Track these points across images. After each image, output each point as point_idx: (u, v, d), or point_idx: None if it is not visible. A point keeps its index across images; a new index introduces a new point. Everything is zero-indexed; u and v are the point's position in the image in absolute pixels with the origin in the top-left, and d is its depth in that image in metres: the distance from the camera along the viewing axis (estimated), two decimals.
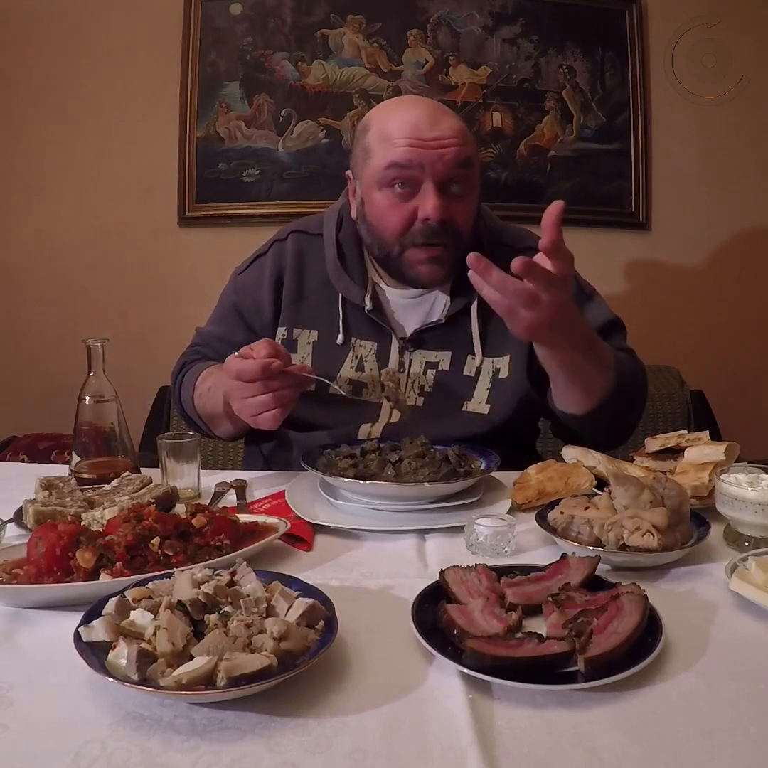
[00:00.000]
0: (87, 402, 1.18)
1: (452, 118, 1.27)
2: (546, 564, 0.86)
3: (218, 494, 1.17)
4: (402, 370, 1.37)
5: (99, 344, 1.18)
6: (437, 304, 1.38)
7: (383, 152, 1.25)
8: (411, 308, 1.38)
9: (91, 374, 1.18)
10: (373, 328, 1.37)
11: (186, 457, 1.16)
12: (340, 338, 1.36)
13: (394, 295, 1.38)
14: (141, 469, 1.21)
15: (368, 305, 1.34)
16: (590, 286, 1.46)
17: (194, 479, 1.17)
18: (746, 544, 0.94)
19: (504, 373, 1.35)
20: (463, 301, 1.35)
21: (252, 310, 1.42)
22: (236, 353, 1.16)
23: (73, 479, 1.13)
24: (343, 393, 1.32)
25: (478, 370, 1.36)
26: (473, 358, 1.36)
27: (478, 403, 1.36)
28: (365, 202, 1.31)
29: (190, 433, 1.21)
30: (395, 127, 1.24)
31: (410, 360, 1.37)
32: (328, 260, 1.38)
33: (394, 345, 1.37)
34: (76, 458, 1.20)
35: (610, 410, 1.21)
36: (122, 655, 0.64)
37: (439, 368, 1.37)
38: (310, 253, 1.41)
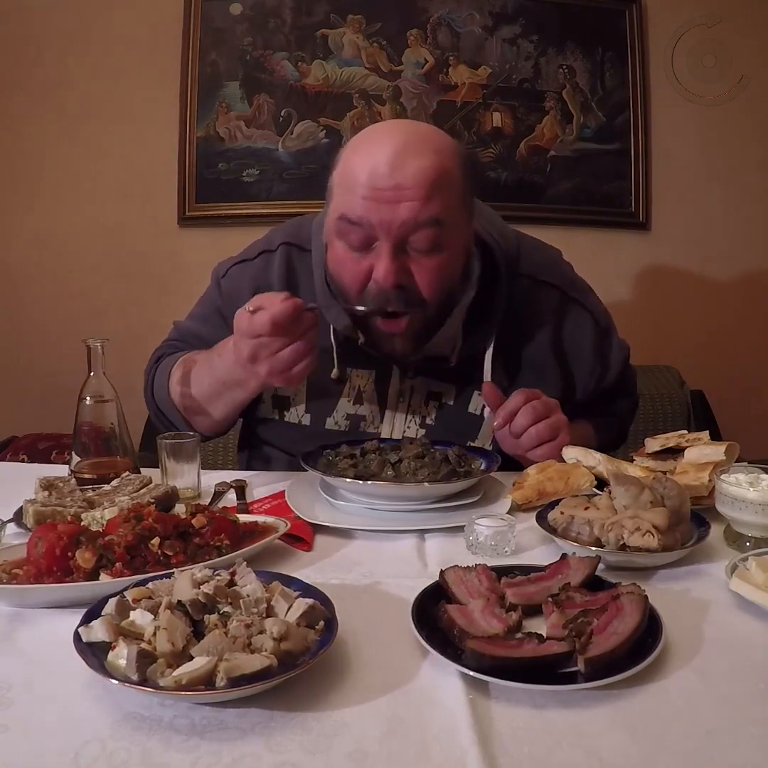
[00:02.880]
0: (87, 402, 1.18)
1: (426, 157, 1.07)
2: (546, 564, 0.86)
3: (218, 494, 1.17)
4: (402, 399, 1.29)
5: (99, 344, 1.17)
6: (435, 338, 1.23)
7: (338, 198, 1.13)
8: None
9: (91, 374, 1.18)
10: (371, 355, 1.26)
11: (186, 457, 1.15)
12: (334, 372, 1.26)
13: None
14: (141, 469, 1.20)
15: (361, 338, 1.23)
16: (606, 318, 1.36)
17: (194, 479, 1.17)
18: (746, 544, 0.94)
19: None
20: (476, 346, 1.26)
21: None
22: (246, 308, 1.07)
23: (73, 479, 1.13)
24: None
25: (484, 408, 1.28)
26: (480, 395, 1.27)
27: (482, 444, 1.30)
28: (328, 246, 1.19)
29: (191, 433, 1.21)
30: (354, 170, 1.09)
31: (411, 388, 1.29)
32: (317, 285, 1.25)
33: (395, 371, 1.28)
34: (76, 458, 1.20)
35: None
36: (122, 655, 0.64)
37: (443, 401, 1.30)
38: (303, 271, 1.30)
